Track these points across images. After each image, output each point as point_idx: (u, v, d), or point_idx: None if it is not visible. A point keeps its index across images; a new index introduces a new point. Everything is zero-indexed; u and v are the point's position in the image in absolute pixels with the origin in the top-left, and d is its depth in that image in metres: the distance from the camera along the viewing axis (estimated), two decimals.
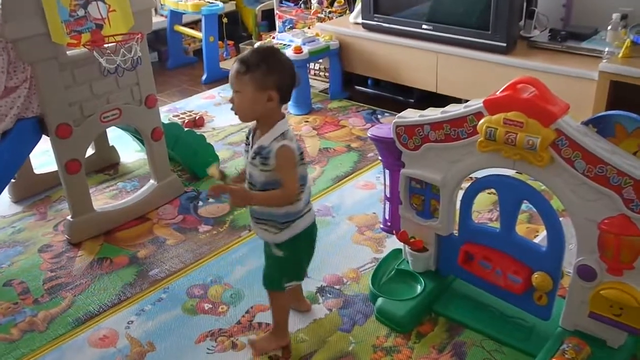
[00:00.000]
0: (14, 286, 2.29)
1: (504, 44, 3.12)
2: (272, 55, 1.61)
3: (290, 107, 3.72)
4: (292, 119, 3.64)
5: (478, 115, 1.76)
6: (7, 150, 2.32)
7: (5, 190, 2.79)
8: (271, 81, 1.57)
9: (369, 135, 2.11)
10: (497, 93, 1.72)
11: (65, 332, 2.05)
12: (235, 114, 1.61)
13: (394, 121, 1.97)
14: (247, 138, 1.70)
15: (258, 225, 1.75)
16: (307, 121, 3.60)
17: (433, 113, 1.91)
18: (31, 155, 2.69)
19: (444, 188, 1.93)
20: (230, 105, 1.63)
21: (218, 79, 4.36)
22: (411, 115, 1.97)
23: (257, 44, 1.72)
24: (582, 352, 1.71)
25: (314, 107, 3.79)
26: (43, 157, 3.03)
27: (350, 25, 3.86)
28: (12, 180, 2.80)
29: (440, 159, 1.91)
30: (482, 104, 1.74)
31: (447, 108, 1.88)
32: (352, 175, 2.96)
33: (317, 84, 4.17)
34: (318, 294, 2.15)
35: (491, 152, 1.75)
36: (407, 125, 1.95)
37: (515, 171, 1.78)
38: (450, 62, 3.33)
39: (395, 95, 3.82)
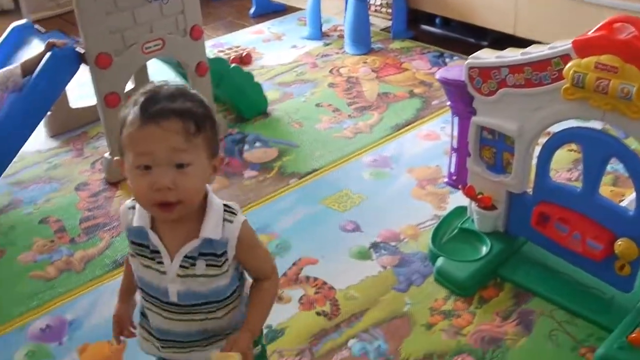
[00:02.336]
0: (50, 224, 2.40)
1: None
2: (201, 98, 1.14)
3: (347, 47, 3.70)
4: (349, 60, 3.62)
5: (565, 58, 1.71)
6: (44, 80, 2.41)
7: (41, 124, 2.90)
8: (216, 141, 1.16)
9: (438, 77, 2.09)
10: (589, 33, 1.67)
11: (102, 273, 2.15)
12: (175, 205, 1.08)
13: (467, 62, 1.94)
14: (136, 244, 1.19)
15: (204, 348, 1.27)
16: (365, 62, 3.58)
17: (512, 54, 1.87)
18: (68, 88, 2.78)
19: (520, 140, 1.91)
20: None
21: (268, 12, 4.35)
22: (487, 56, 1.93)
23: (159, 83, 1.13)
24: None
25: (373, 47, 3.76)
26: (80, 90, 3.11)
27: None
28: (48, 114, 2.90)
29: (518, 107, 1.88)
30: (570, 45, 1.69)
31: (529, 49, 1.84)
32: (414, 124, 2.95)
33: (378, 22, 4.10)
34: (372, 249, 2.18)
35: (578, 100, 1.71)
36: (482, 67, 1.92)
37: (603, 124, 1.74)
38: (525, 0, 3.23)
39: (466, 36, 3.75)
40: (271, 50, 3.80)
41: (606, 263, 1.80)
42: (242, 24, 4.28)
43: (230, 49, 3.77)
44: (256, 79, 3.06)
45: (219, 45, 3.90)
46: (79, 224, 2.38)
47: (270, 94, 3.20)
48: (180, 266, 1.15)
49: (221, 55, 3.60)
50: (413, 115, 3.02)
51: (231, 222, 1.17)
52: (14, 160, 2.51)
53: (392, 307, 1.94)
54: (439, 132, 2.86)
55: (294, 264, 2.13)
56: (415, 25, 3.97)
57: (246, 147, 2.84)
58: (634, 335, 1.69)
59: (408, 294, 1.98)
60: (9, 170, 2.56)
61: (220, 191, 2.53)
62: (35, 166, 2.78)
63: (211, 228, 1.14)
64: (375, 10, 4.16)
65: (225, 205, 1.19)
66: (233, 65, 3.08)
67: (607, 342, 1.71)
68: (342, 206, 2.41)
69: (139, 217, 1.17)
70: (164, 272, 1.17)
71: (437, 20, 3.99)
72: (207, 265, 1.16)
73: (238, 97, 3.00)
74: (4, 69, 2.45)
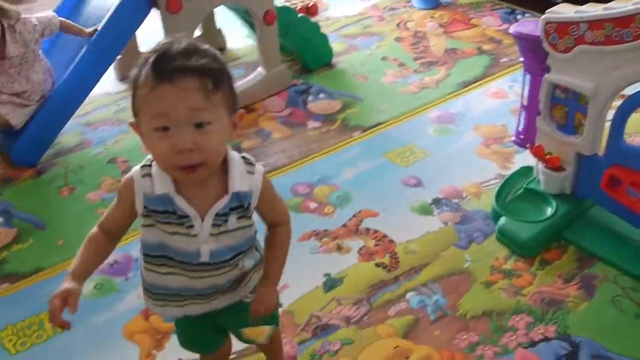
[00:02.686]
0: (118, 164, 2.48)
1: None
2: (215, 53, 1.09)
3: (415, 0, 3.63)
4: (416, 14, 3.55)
5: None
6: (116, 22, 2.46)
7: (111, 67, 2.97)
8: (235, 96, 1.12)
9: (512, 31, 2.03)
10: None
11: None
12: (198, 166, 1.05)
13: (544, 16, 1.88)
14: (159, 212, 1.13)
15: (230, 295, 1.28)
16: (432, 17, 3.51)
17: (593, 9, 1.80)
18: (138, 32, 2.83)
19: (594, 99, 1.85)
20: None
21: None
22: (565, 10, 1.87)
23: (169, 40, 1.06)
24: None
25: (441, 1, 3.68)
26: (150, 35, 3.15)
27: None
28: (118, 57, 2.96)
29: (595, 65, 1.81)
30: None
31: (611, 4, 1.76)
32: (481, 81, 2.89)
33: None
34: (433, 205, 2.17)
35: None
36: (559, 22, 1.86)
37: None
38: None
39: None
40: (337, 1, 3.76)
41: None
42: None
43: None
44: (322, 30, 3.04)
45: None
46: None
47: (335, 45, 3.18)
48: (213, 225, 1.13)
49: (288, 5, 3.58)
50: (481, 73, 2.95)
51: (253, 173, 1.17)
52: (85, 102, 2.59)
53: (452, 264, 1.94)
54: (507, 90, 2.80)
55: (354, 216, 2.15)
56: None
57: (310, 98, 2.84)
58: None
59: (468, 251, 1.98)
60: (79, 111, 2.65)
61: (283, 141, 2.56)
62: (104, 108, 2.85)
63: (238, 182, 1.13)
64: None
65: (242, 157, 1.17)
66: (300, 15, 3.06)
67: None
68: (404, 161, 2.39)
69: (161, 184, 1.11)
70: (194, 235, 1.13)
71: None
72: (237, 218, 1.15)
73: (304, 47, 2.98)
74: (43, 15, 2.51)
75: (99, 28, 2.47)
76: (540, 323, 1.73)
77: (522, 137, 2.16)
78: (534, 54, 1.99)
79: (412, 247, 2.01)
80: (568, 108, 1.96)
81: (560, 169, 2.02)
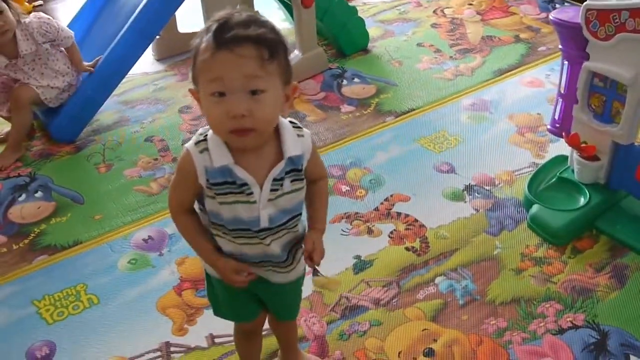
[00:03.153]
0: (155, 142, 2.52)
1: None
2: (273, 25, 1.12)
3: None
4: (454, 1, 3.52)
5: None
6: (155, 2, 2.49)
7: (149, 47, 3.01)
8: (290, 68, 1.14)
9: (552, 18, 2.00)
10: None
11: None
12: (250, 132, 1.08)
13: (585, 2, 1.86)
14: (219, 184, 1.15)
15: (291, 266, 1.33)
16: (471, 4, 3.47)
17: None
18: (177, 13, 2.86)
19: (633, 88, 1.82)
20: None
21: None
22: None
23: (226, 12, 1.09)
24: None
25: None
26: (189, 17, 3.18)
27: None
28: (157, 37, 3.00)
29: (636, 53, 1.78)
30: None
31: None
32: (517, 70, 2.86)
33: None
34: (465, 192, 2.17)
35: None
36: (600, 10, 1.83)
37: None
38: None
39: None
40: None
41: None
42: None
43: None
44: (359, 15, 3.04)
45: None
46: (181, 145, 2.49)
47: (371, 30, 3.17)
48: (271, 190, 1.16)
49: None
50: (517, 61, 2.92)
51: (303, 136, 1.20)
52: (124, 80, 2.63)
53: (482, 250, 1.94)
54: (543, 79, 2.77)
55: (385, 200, 2.16)
56: None
57: (345, 82, 2.85)
58: None
59: (499, 238, 1.97)
60: (118, 89, 2.69)
61: (317, 123, 2.57)
62: (142, 87, 2.90)
63: (292, 146, 1.16)
64: None
65: (290, 122, 1.20)
66: None
67: None
68: (437, 147, 2.39)
69: (219, 157, 1.14)
70: (254, 202, 1.16)
71: None
72: (291, 181, 1.18)
73: (340, 31, 2.98)
74: (65, 29, 2.50)
75: (141, 6, 2.50)
76: (570, 311, 1.73)
77: (557, 125, 2.14)
78: (574, 42, 1.97)
79: (442, 233, 2.01)
80: (606, 97, 1.94)
81: (595, 158, 2.00)
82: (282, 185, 1.17)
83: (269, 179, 1.15)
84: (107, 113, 2.70)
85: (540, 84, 2.75)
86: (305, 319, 1.75)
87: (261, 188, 1.15)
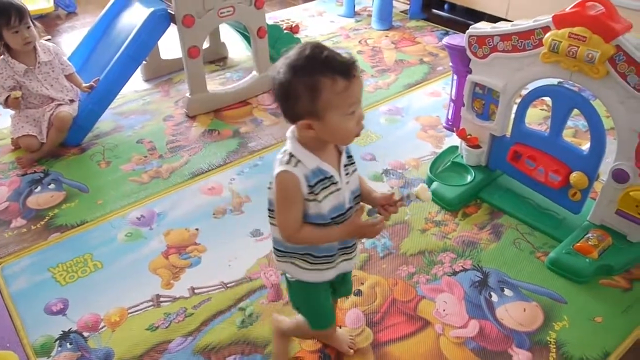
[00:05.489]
0: (144, 144, 2.47)
1: None
2: None
3: (373, 23, 3.64)
4: (374, 33, 3.56)
5: (545, 29, 1.68)
6: (144, 33, 2.44)
7: (138, 71, 2.95)
8: None
9: (444, 43, 2.06)
10: (567, 9, 1.64)
11: (182, 181, 2.22)
12: (357, 135, 1.08)
13: (467, 31, 1.92)
14: (319, 182, 1.09)
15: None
16: (387, 36, 3.52)
17: (504, 26, 1.84)
18: (160, 44, 2.82)
19: (504, 94, 1.89)
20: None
21: None
22: (484, 26, 1.91)
23: (305, 49, 1.01)
24: (604, 241, 1.71)
25: (394, 24, 3.68)
26: (169, 45, 3.13)
27: None
28: (144, 63, 2.95)
29: (505, 68, 1.86)
30: (551, 19, 1.67)
31: (517, 22, 1.81)
32: (421, 84, 2.91)
33: (399, 5, 4.02)
34: (383, 174, 2.21)
35: (552, 63, 1.69)
36: (479, 36, 1.90)
37: (568, 82, 1.71)
38: None
39: (467, 19, 3.64)
40: (314, 23, 3.75)
41: (562, 191, 1.82)
42: (293, 3, 4.22)
43: (282, 20, 3.72)
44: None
45: (274, 17, 3.86)
46: (166, 145, 2.45)
47: None
48: (345, 174, 1.13)
49: (277, 23, 3.56)
50: (422, 77, 2.98)
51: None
52: (117, 96, 2.57)
53: (397, 217, 1.97)
54: (440, 90, 2.84)
55: None
56: (428, 9, 3.87)
57: None
58: (578, 244, 1.72)
59: (409, 207, 2.01)
60: (114, 104, 2.62)
61: (272, 126, 2.56)
62: (133, 102, 2.82)
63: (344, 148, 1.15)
64: None
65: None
66: (285, 31, 3.07)
67: (557, 249, 1.74)
68: (363, 142, 2.42)
69: (310, 161, 1.07)
70: (339, 189, 1.11)
71: (446, 6, 3.88)
72: (349, 164, 1.15)
73: None
74: (65, 59, 2.44)
75: (130, 38, 2.45)
76: (461, 258, 1.78)
77: (450, 123, 2.21)
78: (460, 60, 2.03)
79: (367, 206, 2.03)
80: (484, 101, 2.00)
81: (477, 146, 2.07)
82: (347, 169, 1.14)
83: (341, 167, 1.12)
84: (105, 122, 2.62)
85: (439, 94, 2.81)
86: (264, 272, 1.75)
87: (339, 175, 1.12)
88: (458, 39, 2.03)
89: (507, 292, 1.65)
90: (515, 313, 1.58)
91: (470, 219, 1.95)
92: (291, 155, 1.07)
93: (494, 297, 1.63)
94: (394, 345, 1.50)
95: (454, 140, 2.21)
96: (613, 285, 1.66)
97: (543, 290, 1.65)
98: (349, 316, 1.59)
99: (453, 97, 2.15)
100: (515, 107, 1.92)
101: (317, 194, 1.08)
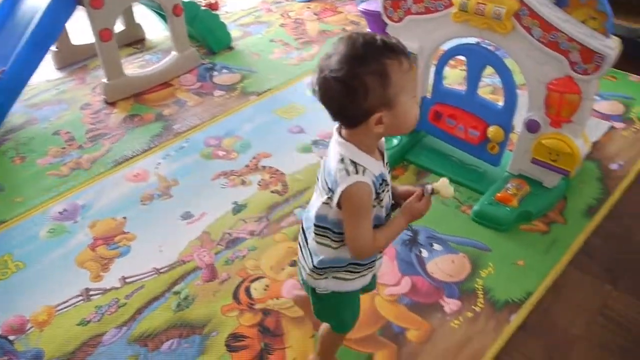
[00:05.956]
0: (61, 135, 2.35)
1: None
2: None
3: None
4: (296, 6, 3.53)
5: None
6: (46, 18, 2.30)
7: (50, 59, 2.79)
8: None
9: (360, 9, 2.08)
10: None
11: (105, 170, 2.13)
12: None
13: None
14: (382, 185, 1.02)
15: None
16: (309, 7, 3.50)
17: None
18: (70, 28, 2.67)
19: (421, 55, 1.93)
20: None
21: None
22: None
23: (364, 36, 0.94)
24: (522, 189, 1.80)
25: None
26: (80, 29, 2.97)
27: None
28: (55, 50, 2.78)
29: (419, 30, 1.89)
30: None
31: None
32: None
33: None
34: (313, 145, 2.21)
35: (463, 22, 1.73)
36: (393, 0, 1.91)
37: (479, 39, 1.77)
38: None
39: None
40: None
41: (481, 145, 1.89)
42: None
43: None
44: (222, 20, 2.97)
45: None
46: (85, 134, 2.34)
47: (233, 32, 3.11)
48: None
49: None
50: None
51: None
52: (28, 87, 2.42)
53: None
54: None
55: (254, 158, 2.16)
56: None
57: (215, 73, 2.78)
58: (499, 194, 1.80)
59: None
60: (24, 95, 2.48)
61: (196, 107, 2.51)
62: (46, 92, 2.67)
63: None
64: None
65: None
66: (203, 8, 2.97)
67: (480, 200, 1.82)
68: (290, 115, 2.41)
69: (373, 167, 0.99)
70: (388, 190, 1.05)
71: None
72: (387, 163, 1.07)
73: (207, 34, 2.91)
74: None
75: (33, 23, 2.29)
76: None
77: None
78: (377, 25, 2.04)
79: (297, 177, 2.04)
80: None
81: None
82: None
83: (387, 169, 1.06)
84: (16, 115, 2.47)
85: None
86: (198, 254, 1.73)
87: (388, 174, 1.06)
88: (374, 4, 2.05)
89: (436, 246, 1.71)
90: (444, 265, 1.64)
91: (397, 181, 1.98)
92: (355, 164, 0.97)
93: (424, 253, 1.69)
94: None
95: None
96: (533, 230, 1.75)
97: (469, 242, 1.72)
98: (285, 286, 1.60)
99: None
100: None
101: (381, 200, 1.02)
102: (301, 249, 1.16)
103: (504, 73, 1.75)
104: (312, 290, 1.16)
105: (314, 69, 0.97)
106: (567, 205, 1.84)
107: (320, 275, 1.11)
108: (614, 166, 2.02)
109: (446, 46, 1.88)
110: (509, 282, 1.58)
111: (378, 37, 0.94)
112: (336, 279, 1.11)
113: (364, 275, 1.14)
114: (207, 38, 2.92)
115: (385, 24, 1.98)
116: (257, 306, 1.55)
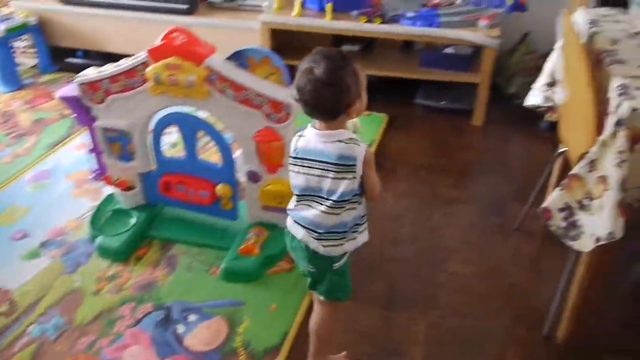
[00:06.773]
0: None
1: (186, 6, 3.14)
2: None
3: None
4: (3, 97, 3.20)
5: (145, 64, 1.76)
6: None
7: None
8: None
9: (58, 96, 1.97)
10: (157, 42, 1.74)
11: None
12: None
13: (75, 80, 1.88)
14: None
15: None
16: (17, 97, 3.20)
17: (109, 68, 1.86)
18: None
19: (133, 132, 1.92)
20: None
21: None
22: (91, 72, 1.89)
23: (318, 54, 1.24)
24: (261, 236, 1.91)
25: (25, 82, 3.37)
26: None
27: (47, 1, 3.47)
28: None
29: (124, 108, 1.88)
30: (147, 54, 1.75)
31: (120, 62, 1.84)
32: (67, 139, 2.73)
33: (28, 61, 3.69)
34: (41, 247, 2.00)
35: (161, 94, 1.78)
36: (88, 82, 1.88)
37: (186, 106, 1.84)
38: (142, 26, 3.23)
39: (105, 61, 3.57)
40: None
41: (215, 204, 1.95)
42: None
43: None
44: None
45: None
46: None
47: None
48: None
49: None
50: (65, 133, 2.80)
51: None
52: None
53: (64, 289, 1.81)
54: (87, 141, 2.70)
55: None
56: (60, 59, 3.66)
57: None
58: (242, 247, 1.87)
59: (77, 273, 1.87)
60: None
61: None
62: None
63: None
64: (23, 52, 3.73)
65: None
66: None
67: (226, 258, 1.86)
68: (10, 219, 2.15)
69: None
70: None
71: (79, 53, 3.74)
72: None
73: None
74: None
75: None
76: (141, 304, 1.74)
77: (97, 173, 2.13)
78: (81, 109, 1.97)
79: (26, 288, 1.81)
80: (121, 142, 1.99)
81: (130, 188, 2.05)
82: None
83: None
84: None
85: (86, 145, 2.66)
86: None
87: None
88: (71, 89, 1.96)
89: (191, 317, 1.69)
90: (202, 335, 1.62)
91: (143, 261, 1.92)
92: (353, 138, 1.25)
93: (181, 329, 1.65)
94: None
95: (110, 189, 2.14)
96: (278, 271, 1.86)
97: (223, 302, 1.74)
98: None
99: (92, 147, 2.08)
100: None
101: None
102: (316, 254, 1.31)
103: (213, 134, 1.85)
104: (329, 273, 1.34)
105: (295, 85, 1.21)
106: None
107: (344, 238, 1.31)
108: None
109: (156, 118, 1.91)
110: (264, 330, 1.63)
111: (334, 49, 1.24)
112: (357, 233, 1.33)
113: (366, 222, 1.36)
114: None
115: (89, 107, 1.92)
116: None
